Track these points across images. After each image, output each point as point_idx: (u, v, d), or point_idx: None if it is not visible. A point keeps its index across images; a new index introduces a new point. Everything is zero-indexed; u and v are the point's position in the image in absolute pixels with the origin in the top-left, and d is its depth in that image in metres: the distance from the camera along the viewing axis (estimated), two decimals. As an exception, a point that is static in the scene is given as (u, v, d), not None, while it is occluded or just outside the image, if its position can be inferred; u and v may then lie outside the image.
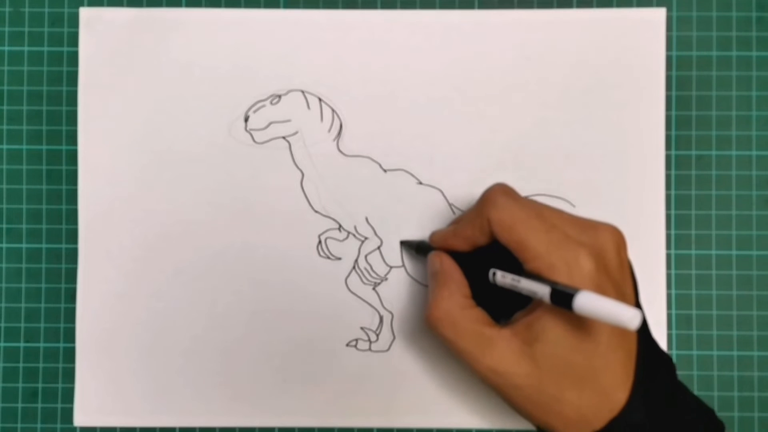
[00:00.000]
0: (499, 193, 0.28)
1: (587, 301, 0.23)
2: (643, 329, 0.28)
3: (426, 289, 0.35)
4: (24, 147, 0.37)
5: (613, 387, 0.26)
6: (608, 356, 0.26)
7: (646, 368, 0.27)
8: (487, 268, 0.29)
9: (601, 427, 0.26)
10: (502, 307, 0.29)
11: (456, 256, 0.31)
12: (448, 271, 0.30)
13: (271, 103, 0.35)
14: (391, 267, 0.35)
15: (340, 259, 0.35)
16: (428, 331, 0.35)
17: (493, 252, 0.29)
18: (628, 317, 0.22)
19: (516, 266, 0.27)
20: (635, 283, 0.28)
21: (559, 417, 0.27)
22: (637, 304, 0.28)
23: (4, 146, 0.37)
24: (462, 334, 0.28)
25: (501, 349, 0.27)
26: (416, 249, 0.34)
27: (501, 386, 0.27)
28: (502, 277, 0.28)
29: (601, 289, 0.26)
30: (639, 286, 0.29)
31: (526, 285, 0.26)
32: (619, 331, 0.26)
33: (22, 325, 0.37)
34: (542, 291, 0.25)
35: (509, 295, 0.28)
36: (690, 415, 0.28)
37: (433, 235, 0.32)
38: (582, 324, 0.26)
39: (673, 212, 0.36)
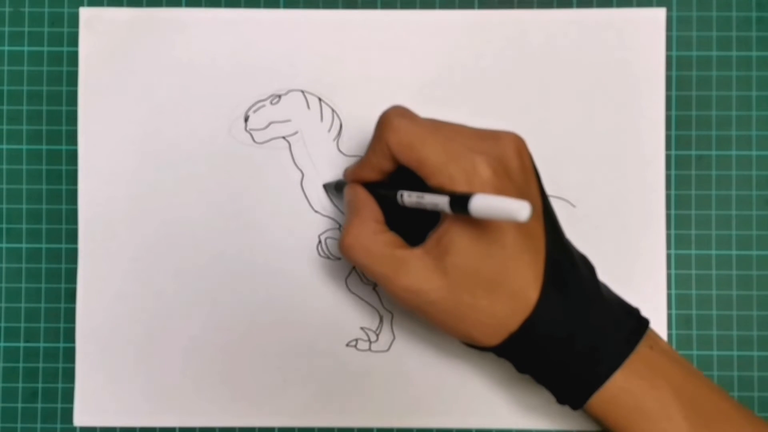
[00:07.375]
0: (395, 114, 0.28)
1: (480, 203, 0.23)
2: (553, 230, 0.28)
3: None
4: (24, 147, 0.37)
5: (523, 288, 0.27)
6: (515, 258, 0.26)
7: (558, 268, 0.27)
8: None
9: (517, 328, 0.27)
10: (422, 234, 0.29)
11: (372, 187, 0.30)
12: (360, 200, 0.30)
13: (271, 103, 0.35)
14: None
15: (340, 259, 0.35)
16: (429, 331, 0.35)
17: (406, 178, 0.29)
18: (516, 209, 0.22)
19: (425, 188, 0.27)
20: (541, 186, 0.28)
21: (477, 325, 0.27)
22: (545, 207, 0.28)
23: (4, 146, 0.37)
24: (375, 258, 0.28)
25: (414, 267, 0.27)
26: (335, 188, 0.34)
27: (417, 305, 0.28)
28: (408, 197, 0.28)
29: (501, 194, 0.26)
30: (544, 185, 0.29)
31: (429, 199, 0.26)
32: (524, 232, 0.26)
33: (22, 325, 0.37)
34: (443, 202, 0.25)
35: (426, 221, 0.28)
36: (611, 312, 0.28)
37: (345, 170, 0.32)
38: (487, 230, 0.26)
39: (673, 212, 0.36)
